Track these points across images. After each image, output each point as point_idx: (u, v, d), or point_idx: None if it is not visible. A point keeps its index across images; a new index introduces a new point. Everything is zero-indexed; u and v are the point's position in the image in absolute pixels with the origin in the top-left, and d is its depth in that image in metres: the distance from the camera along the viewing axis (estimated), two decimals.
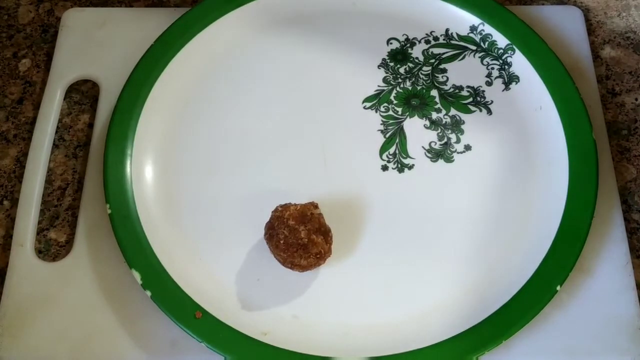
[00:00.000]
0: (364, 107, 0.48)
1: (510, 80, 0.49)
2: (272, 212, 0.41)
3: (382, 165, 0.46)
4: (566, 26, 0.52)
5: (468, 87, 0.49)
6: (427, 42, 0.51)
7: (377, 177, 0.46)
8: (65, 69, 0.50)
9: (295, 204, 0.41)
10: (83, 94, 0.50)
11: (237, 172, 0.46)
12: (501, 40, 0.50)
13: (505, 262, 0.43)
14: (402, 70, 0.50)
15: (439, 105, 0.48)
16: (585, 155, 0.45)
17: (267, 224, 0.41)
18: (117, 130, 0.46)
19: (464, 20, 0.51)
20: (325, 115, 0.48)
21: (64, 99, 0.50)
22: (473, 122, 0.48)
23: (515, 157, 0.46)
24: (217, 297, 0.42)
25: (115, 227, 0.43)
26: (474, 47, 0.51)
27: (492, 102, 0.49)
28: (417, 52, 0.50)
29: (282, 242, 0.39)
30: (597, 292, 0.42)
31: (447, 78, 0.49)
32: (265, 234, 0.41)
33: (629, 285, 0.43)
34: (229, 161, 0.46)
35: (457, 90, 0.49)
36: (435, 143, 0.47)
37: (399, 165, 0.46)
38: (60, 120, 0.49)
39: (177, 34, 0.49)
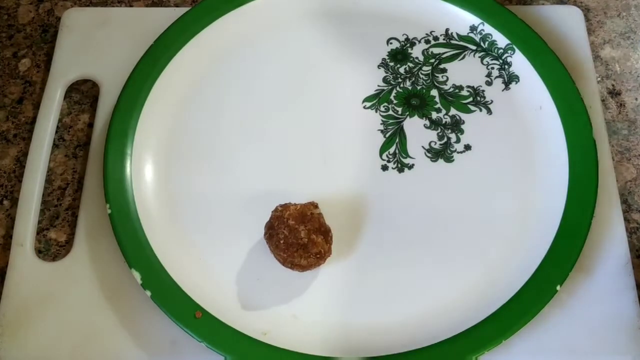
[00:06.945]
0: (364, 107, 0.48)
1: (510, 80, 0.49)
2: (272, 212, 0.41)
3: (382, 165, 0.46)
4: (566, 26, 0.52)
5: (468, 86, 0.49)
6: (427, 42, 0.51)
7: (377, 176, 0.46)
8: (65, 69, 0.50)
9: (295, 204, 0.41)
10: (83, 93, 0.50)
11: (237, 171, 0.46)
12: (501, 40, 0.50)
13: (505, 262, 0.43)
14: (402, 70, 0.50)
15: (439, 105, 0.48)
16: (585, 155, 0.45)
17: (267, 223, 0.41)
18: (117, 129, 0.46)
19: (464, 20, 0.51)
20: (325, 114, 0.48)
21: (64, 99, 0.50)
22: (473, 122, 0.48)
23: (515, 157, 0.46)
24: (217, 297, 0.42)
25: (115, 227, 0.43)
26: (474, 47, 0.50)
27: (492, 101, 0.49)
28: (417, 52, 0.50)
29: (282, 242, 0.39)
30: (597, 292, 0.42)
31: (447, 78, 0.49)
32: (265, 233, 0.41)
33: (629, 285, 0.43)
34: (228, 161, 0.46)
35: (457, 90, 0.49)
36: (435, 143, 0.47)
37: (399, 165, 0.46)
38: (60, 120, 0.49)
39: (177, 34, 0.49)
